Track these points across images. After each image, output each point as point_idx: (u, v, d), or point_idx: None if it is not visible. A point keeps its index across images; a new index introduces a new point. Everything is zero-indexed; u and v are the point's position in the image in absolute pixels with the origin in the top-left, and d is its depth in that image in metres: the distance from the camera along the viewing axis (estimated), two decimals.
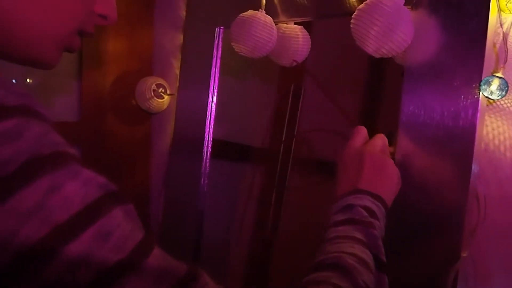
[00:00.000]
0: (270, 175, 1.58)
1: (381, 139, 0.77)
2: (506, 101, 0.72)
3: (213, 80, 1.05)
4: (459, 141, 0.73)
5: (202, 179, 1.05)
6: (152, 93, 1.22)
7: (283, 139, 1.59)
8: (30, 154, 0.40)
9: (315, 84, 1.56)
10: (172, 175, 1.15)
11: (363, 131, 0.80)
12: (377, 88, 1.51)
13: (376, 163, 0.72)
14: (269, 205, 1.57)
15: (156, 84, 1.23)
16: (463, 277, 0.72)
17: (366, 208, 0.64)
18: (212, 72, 1.05)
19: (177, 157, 1.17)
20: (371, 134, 0.79)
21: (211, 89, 1.05)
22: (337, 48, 1.44)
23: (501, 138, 0.74)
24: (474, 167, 0.72)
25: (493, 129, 0.74)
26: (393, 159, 0.78)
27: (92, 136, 1.23)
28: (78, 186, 0.41)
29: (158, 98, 1.23)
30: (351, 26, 0.77)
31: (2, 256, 0.38)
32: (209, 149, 1.07)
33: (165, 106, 1.26)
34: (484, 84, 0.69)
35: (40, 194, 0.39)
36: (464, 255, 0.72)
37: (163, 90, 1.23)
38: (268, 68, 1.51)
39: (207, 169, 1.06)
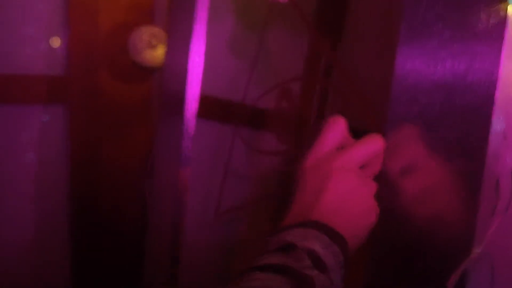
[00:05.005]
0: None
1: (363, 149, 0.53)
2: None
3: (199, 20, 0.85)
4: (475, 85, 0.48)
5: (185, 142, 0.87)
6: (145, 44, 1.06)
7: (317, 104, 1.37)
8: None
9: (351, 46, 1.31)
10: (160, 141, 0.98)
11: (339, 125, 0.55)
12: None
13: (346, 188, 0.51)
14: None
15: (149, 34, 1.07)
16: (475, 281, 0.49)
17: (312, 255, 0.43)
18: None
19: (165, 118, 1.01)
20: None
21: (194, 34, 0.86)
22: None
23: None
24: (497, 125, 0.48)
25: None
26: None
27: (82, 93, 1.10)
28: None
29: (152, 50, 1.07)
30: None
31: None
32: (194, 107, 0.88)
33: (161, 59, 1.09)
34: None
35: None
36: (478, 251, 0.49)
37: (155, 40, 1.06)
38: (290, 17, 1.29)
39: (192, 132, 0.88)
